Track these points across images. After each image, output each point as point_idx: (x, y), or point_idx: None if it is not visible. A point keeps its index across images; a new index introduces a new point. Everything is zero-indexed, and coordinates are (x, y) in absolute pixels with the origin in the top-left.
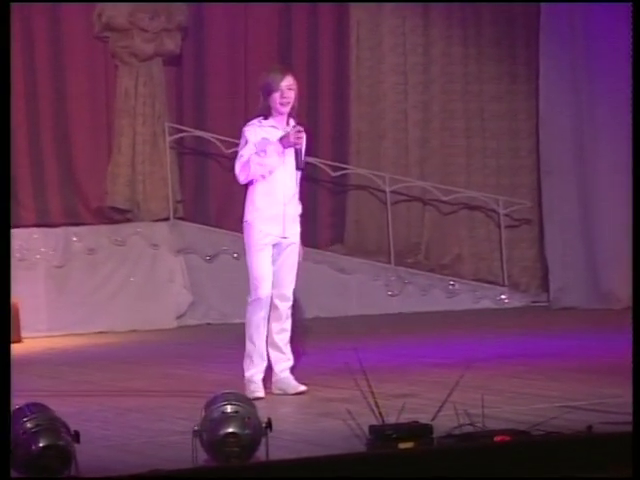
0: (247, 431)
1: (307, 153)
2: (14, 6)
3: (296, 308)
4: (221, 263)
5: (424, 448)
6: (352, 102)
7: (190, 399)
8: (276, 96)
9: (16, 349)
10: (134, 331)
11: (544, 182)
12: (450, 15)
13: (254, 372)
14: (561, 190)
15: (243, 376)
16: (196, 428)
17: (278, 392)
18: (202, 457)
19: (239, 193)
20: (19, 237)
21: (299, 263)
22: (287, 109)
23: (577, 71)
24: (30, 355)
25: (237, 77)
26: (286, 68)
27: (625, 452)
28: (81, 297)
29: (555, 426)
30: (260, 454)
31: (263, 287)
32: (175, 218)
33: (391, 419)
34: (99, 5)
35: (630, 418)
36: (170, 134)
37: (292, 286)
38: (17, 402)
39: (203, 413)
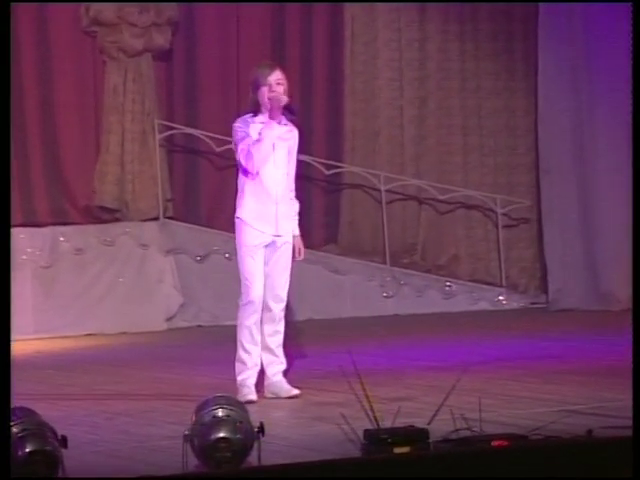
0: (239, 436)
1: (300, 151)
2: None
3: (289, 310)
4: (212, 264)
5: (420, 453)
6: (346, 98)
7: (180, 403)
8: (264, 90)
9: None
10: (123, 333)
11: (543, 181)
12: (447, 10)
13: (246, 376)
14: (560, 189)
15: (235, 379)
16: (187, 432)
17: (271, 396)
18: (193, 462)
19: (230, 192)
20: None
21: (300, 262)
22: (276, 104)
23: (576, 69)
24: (16, 358)
25: (229, 73)
26: (275, 63)
27: (625, 457)
28: (69, 298)
29: (554, 430)
30: (252, 459)
31: (255, 288)
32: (165, 217)
33: (386, 423)
34: None
35: (630, 422)
36: (160, 132)
37: (286, 287)
38: None
39: (194, 417)
